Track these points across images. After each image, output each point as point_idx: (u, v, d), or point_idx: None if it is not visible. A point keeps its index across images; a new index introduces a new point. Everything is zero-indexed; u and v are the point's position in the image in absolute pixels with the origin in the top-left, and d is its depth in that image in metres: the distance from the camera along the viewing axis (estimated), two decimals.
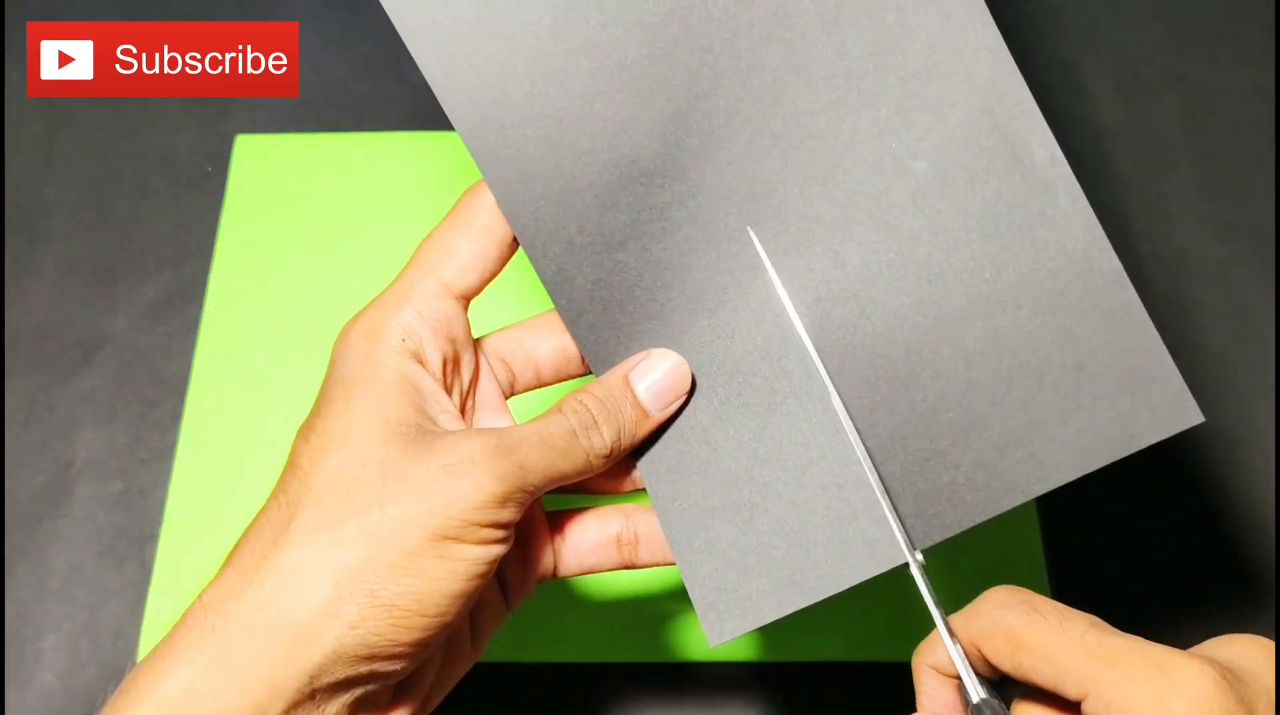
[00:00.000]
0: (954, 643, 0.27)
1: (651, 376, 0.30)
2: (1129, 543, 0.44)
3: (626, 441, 0.30)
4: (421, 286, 0.29)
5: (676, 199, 0.30)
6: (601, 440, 0.29)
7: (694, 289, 0.30)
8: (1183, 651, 0.25)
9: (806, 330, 0.30)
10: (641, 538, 0.32)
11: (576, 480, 0.29)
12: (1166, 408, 0.29)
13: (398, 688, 0.28)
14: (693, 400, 0.31)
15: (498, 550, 0.27)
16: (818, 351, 0.30)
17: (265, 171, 0.50)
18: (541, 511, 0.32)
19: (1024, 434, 0.29)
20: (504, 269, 0.30)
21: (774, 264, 0.30)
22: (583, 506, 0.32)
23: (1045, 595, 0.27)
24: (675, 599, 0.42)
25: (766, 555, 0.30)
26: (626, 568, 0.32)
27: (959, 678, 0.27)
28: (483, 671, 0.41)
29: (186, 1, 0.55)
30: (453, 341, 0.30)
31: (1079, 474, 0.29)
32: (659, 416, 0.30)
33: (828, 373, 0.30)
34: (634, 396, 0.30)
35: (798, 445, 0.30)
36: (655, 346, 0.31)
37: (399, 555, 0.26)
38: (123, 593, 0.43)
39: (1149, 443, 0.29)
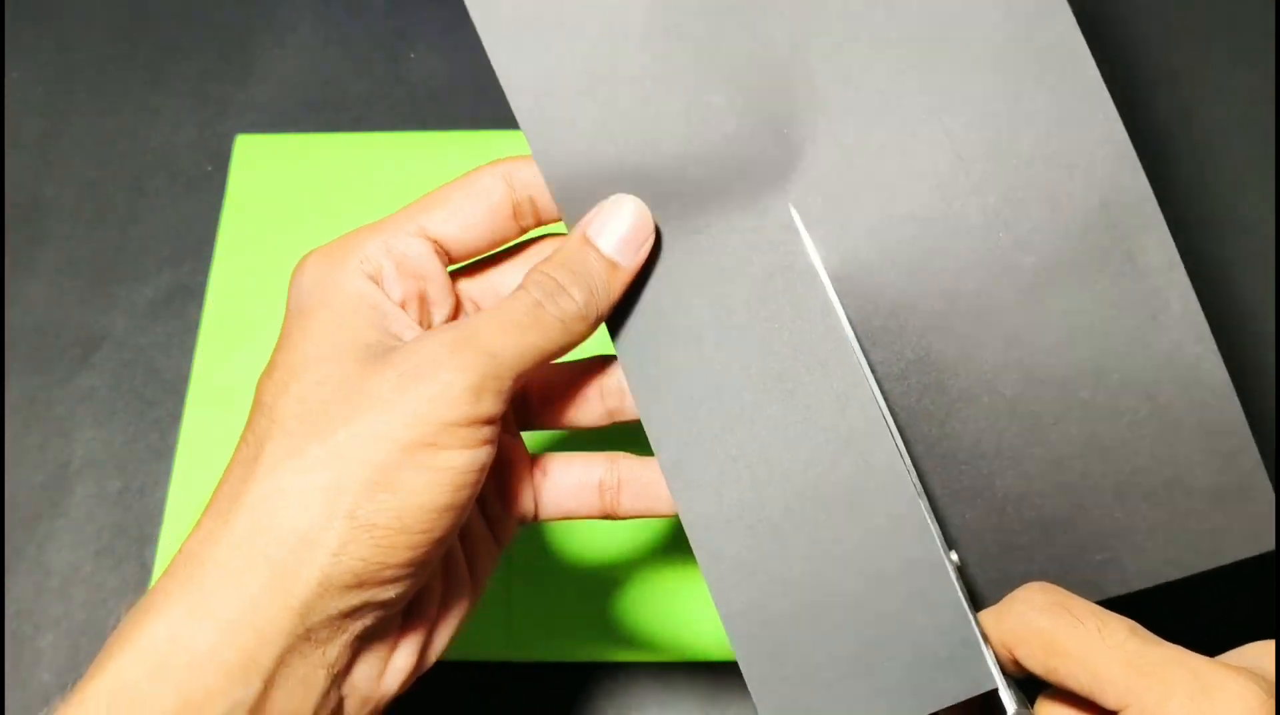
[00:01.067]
0: (988, 648, 0.26)
1: (611, 225, 0.28)
2: None
3: (603, 299, 0.28)
4: (395, 223, 0.28)
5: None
6: (573, 302, 0.27)
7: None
8: (1227, 666, 0.24)
9: (892, 418, 0.28)
10: (625, 484, 0.30)
11: (559, 354, 0.27)
12: (1257, 529, 0.28)
13: (401, 621, 0.27)
14: (769, 485, 0.28)
15: (483, 454, 0.26)
16: (903, 439, 0.28)
17: (265, 171, 0.50)
18: (522, 445, 0.31)
19: (1107, 539, 0.28)
20: (493, 247, 0.30)
21: (861, 348, 0.29)
22: (566, 452, 0.31)
23: None
24: (675, 599, 0.42)
25: (830, 644, 0.28)
26: (607, 517, 0.31)
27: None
28: (481, 671, 0.41)
29: (187, 1, 0.55)
30: (419, 280, 0.28)
31: (1158, 582, 0.29)
32: (630, 265, 0.28)
33: (914, 467, 0.28)
34: (597, 250, 0.28)
35: (875, 539, 0.28)
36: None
37: (371, 471, 0.24)
38: (122, 592, 0.43)
39: (1231, 560, 0.29)
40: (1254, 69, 0.54)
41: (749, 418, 0.29)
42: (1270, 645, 0.26)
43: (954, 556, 0.28)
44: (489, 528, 0.30)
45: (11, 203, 0.50)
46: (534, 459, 0.31)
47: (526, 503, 0.31)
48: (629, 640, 0.42)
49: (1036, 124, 0.28)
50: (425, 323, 0.29)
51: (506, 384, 0.26)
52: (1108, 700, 0.24)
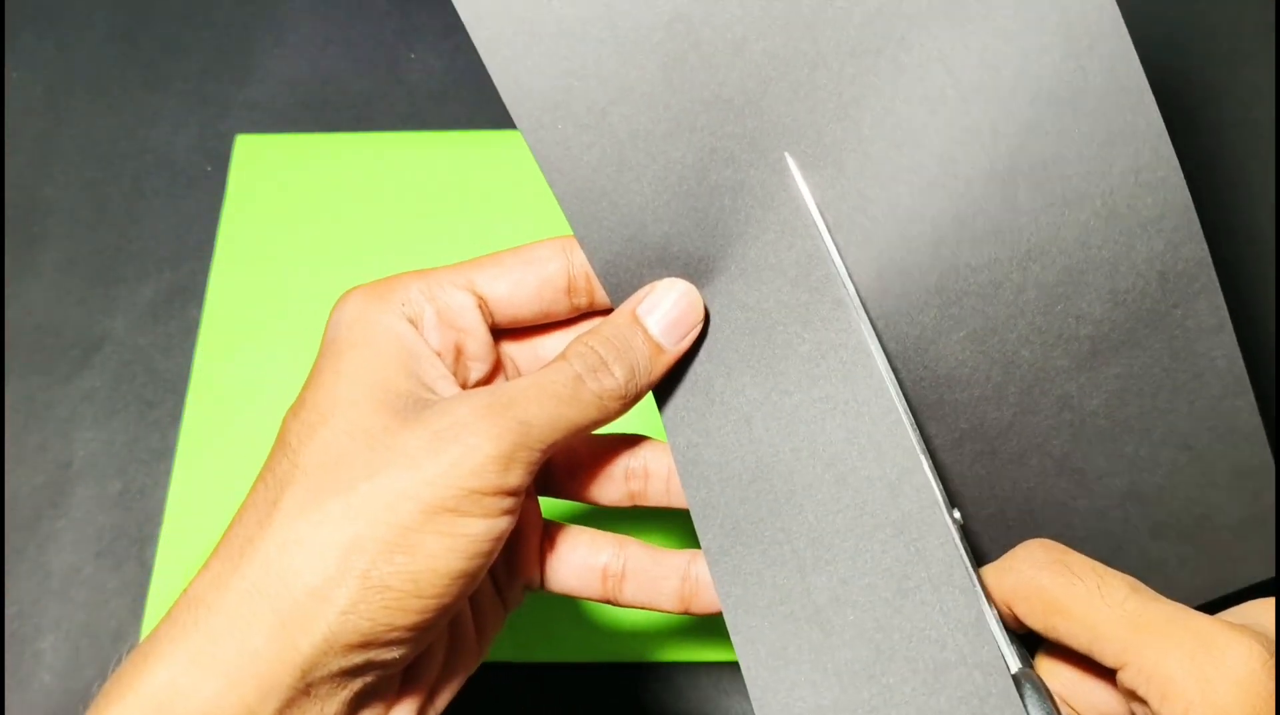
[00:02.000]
0: (991, 607, 0.26)
1: (661, 308, 0.28)
2: None
3: (643, 380, 0.27)
4: (443, 272, 0.28)
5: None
6: (614, 380, 0.27)
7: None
8: (1228, 624, 0.24)
9: (946, 497, 0.27)
10: (629, 574, 0.30)
11: (591, 430, 0.27)
12: (1273, 552, 0.30)
13: (402, 680, 0.27)
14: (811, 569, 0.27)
15: (504, 523, 0.25)
16: (946, 499, 0.27)
17: (265, 171, 0.50)
18: (537, 511, 0.30)
19: (1141, 574, 0.28)
20: (540, 321, 0.29)
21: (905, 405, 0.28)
22: (576, 526, 0.31)
23: None
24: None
25: None
26: (607, 602, 0.30)
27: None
28: (482, 671, 0.41)
29: (187, 1, 0.55)
30: (459, 332, 0.28)
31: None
32: (675, 351, 0.28)
33: (967, 553, 0.27)
34: (644, 331, 0.28)
35: (927, 633, 0.26)
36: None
37: (390, 531, 0.24)
38: (122, 593, 0.43)
39: (1250, 583, 0.29)
40: (1254, 69, 0.54)
41: (798, 501, 0.27)
42: (1270, 603, 0.26)
43: (956, 515, 0.27)
44: (496, 591, 0.30)
45: (11, 203, 0.50)
46: (543, 527, 0.30)
47: (533, 572, 0.30)
48: (629, 640, 0.42)
49: (1100, 197, 0.27)
50: (461, 378, 0.28)
51: (536, 455, 0.25)
52: (1107, 658, 0.24)
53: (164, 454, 0.45)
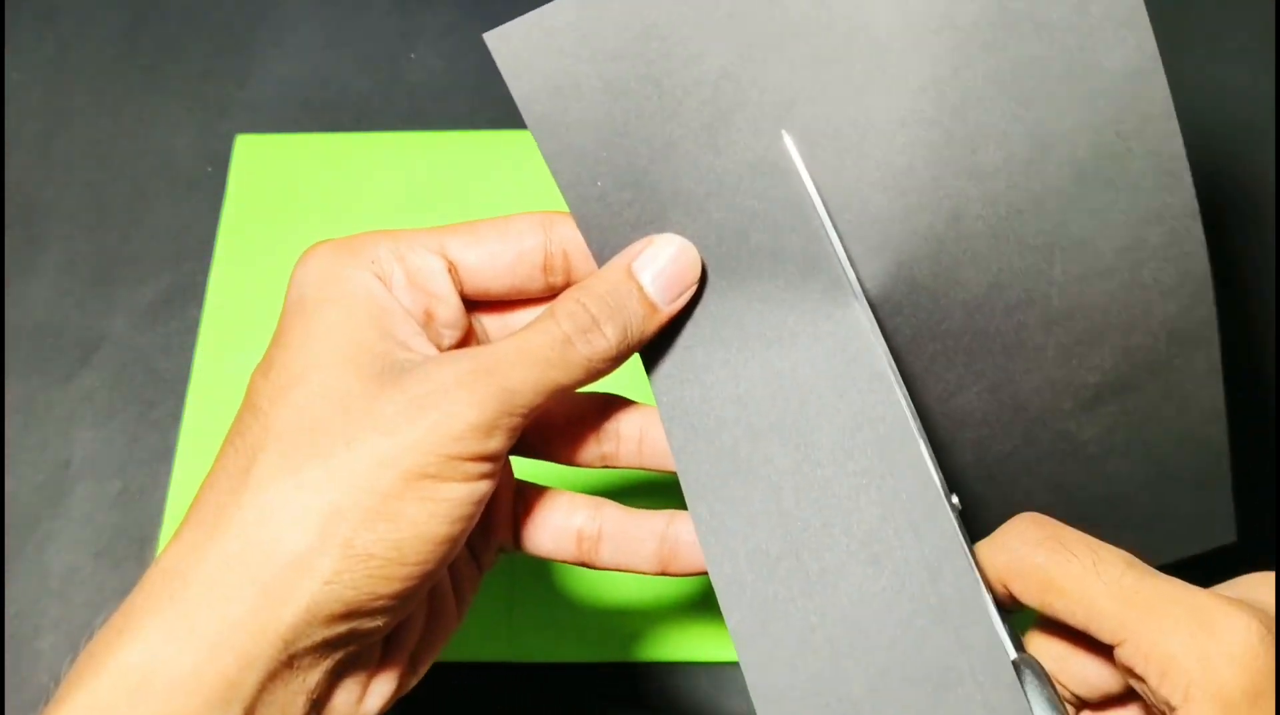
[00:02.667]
0: (986, 590, 0.26)
1: (657, 263, 0.26)
2: None
3: (635, 339, 0.26)
4: (413, 234, 0.27)
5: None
6: (605, 341, 0.26)
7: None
8: (1227, 599, 0.24)
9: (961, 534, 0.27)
10: (605, 536, 0.29)
11: (574, 390, 0.26)
12: (1214, 534, 0.33)
13: (383, 649, 0.26)
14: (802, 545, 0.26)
15: (484, 487, 0.25)
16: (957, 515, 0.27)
17: (265, 171, 0.50)
18: (510, 471, 0.29)
19: None
20: (513, 297, 0.28)
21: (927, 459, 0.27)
22: (550, 487, 0.30)
23: None
24: (676, 599, 0.42)
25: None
26: (583, 565, 0.29)
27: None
28: (481, 671, 0.41)
29: (187, 2, 0.55)
30: (429, 297, 0.27)
31: None
32: (669, 310, 0.27)
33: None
34: (639, 288, 0.26)
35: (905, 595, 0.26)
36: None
37: (372, 498, 0.23)
38: (121, 593, 0.42)
39: (1192, 552, 0.32)
40: (1254, 69, 0.54)
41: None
42: (1268, 576, 0.25)
43: (954, 500, 0.27)
44: (472, 555, 0.29)
45: (11, 203, 0.50)
46: (517, 488, 0.30)
47: (506, 534, 0.29)
48: (629, 640, 0.41)
49: (1128, 270, 0.28)
50: (433, 342, 0.27)
51: (519, 420, 0.25)
52: (1104, 635, 0.24)
53: (164, 454, 0.45)
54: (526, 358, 0.25)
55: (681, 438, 0.28)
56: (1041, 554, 0.25)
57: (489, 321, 0.29)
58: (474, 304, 0.28)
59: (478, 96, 0.52)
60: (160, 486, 0.44)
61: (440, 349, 0.27)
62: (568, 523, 0.29)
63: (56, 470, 0.45)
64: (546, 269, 0.28)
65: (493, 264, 0.27)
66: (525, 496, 0.30)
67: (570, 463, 0.30)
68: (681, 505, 0.29)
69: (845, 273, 0.27)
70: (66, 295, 0.48)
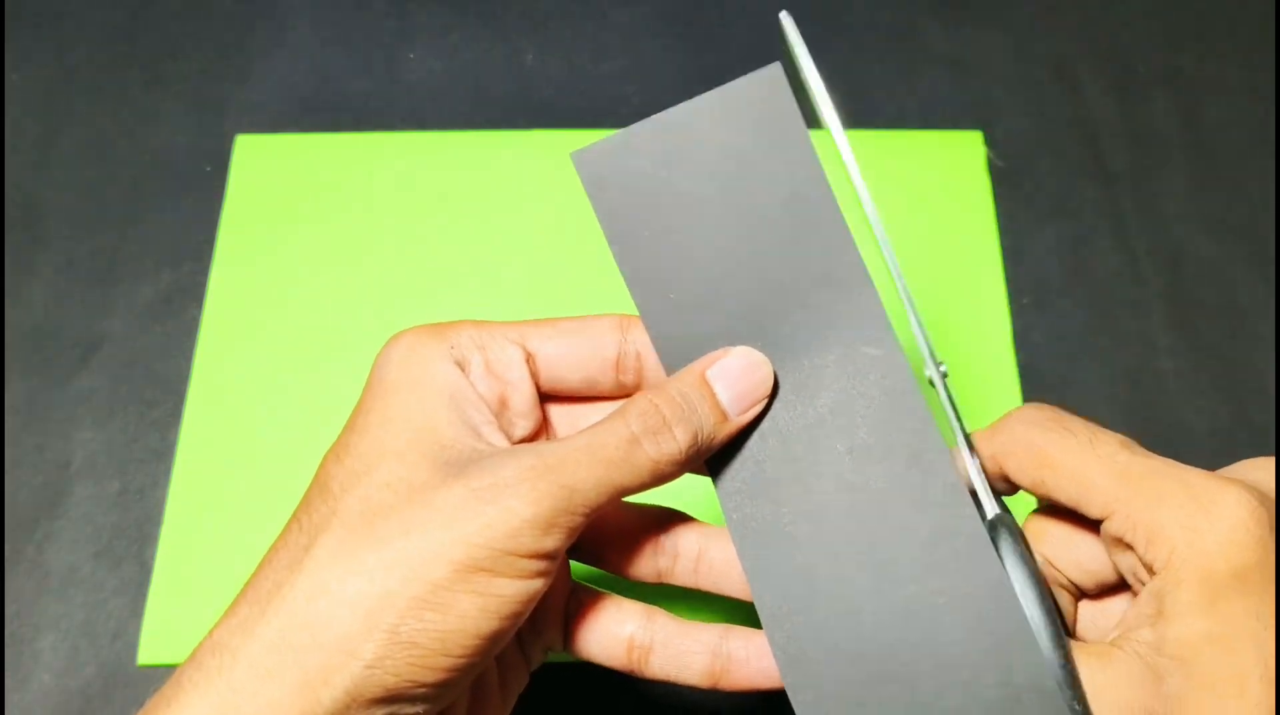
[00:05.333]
0: (972, 456, 0.26)
1: (732, 373, 0.27)
2: None
3: (704, 445, 0.26)
4: (495, 325, 0.27)
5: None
6: (675, 444, 0.26)
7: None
8: (1219, 476, 0.23)
9: None
10: (656, 646, 0.29)
11: (638, 492, 0.26)
12: None
13: None
14: None
15: (537, 585, 0.24)
16: None
17: (265, 171, 0.50)
18: (567, 572, 0.29)
19: None
20: (586, 391, 0.28)
21: None
22: (604, 592, 0.30)
23: None
24: (675, 599, 0.42)
25: None
26: (631, 674, 0.29)
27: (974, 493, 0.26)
28: None
29: (186, 2, 0.55)
30: (505, 385, 0.27)
31: None
32: (740, 420, 0.27)
33: None
34: (713, 394, 0.26)
35: None
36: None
37: (422, 588, 0.23)
38: (121, 592, 0.43)
39: None
40: (1254, 69, 0.54)
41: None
42: (1268, 461, 0.25)
43: (942, 367, 0.27)
44: (520, 650, 0.29)
45: (11, 203, 0.50)
46: (572, 590, 0.29)
47: (556, 632, 0.29)
48: None
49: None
50: (505, 432, 0.27)
51: (579, 520, 0.25)
52: (1093, 509, 0.24)
53: (164, 454, 0.45)
54: (591, 456, 0.25)
55: (753, 556, 0.27)
56: (1038, 432, 0.25)
57: (559, 415, 0.29)
58: (548, 398, 0.29)
59: (478, 96, 0.52)
60: (160, 486, 0.44)
61: (512, 439, 0.27)
62: (619, 631, 0.29)
63: (56, 470, 0.45)
64: (619, 367, 0.28)
65: (569, 356, 0.28)
66: (579, 598, 0.29)
67: (624, 575, 0.30)
68: (732, 618, 0.28)
69: (909, 380, 0.27)
70: (66, 295, 0.48)
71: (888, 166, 0.50)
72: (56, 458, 0.45)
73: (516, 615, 0.24)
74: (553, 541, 0.24)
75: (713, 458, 0.28)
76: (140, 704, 0.42)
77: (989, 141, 0.51)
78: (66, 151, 0.51)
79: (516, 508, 0.24)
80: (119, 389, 0.46)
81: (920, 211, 0.49)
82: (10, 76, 0.53)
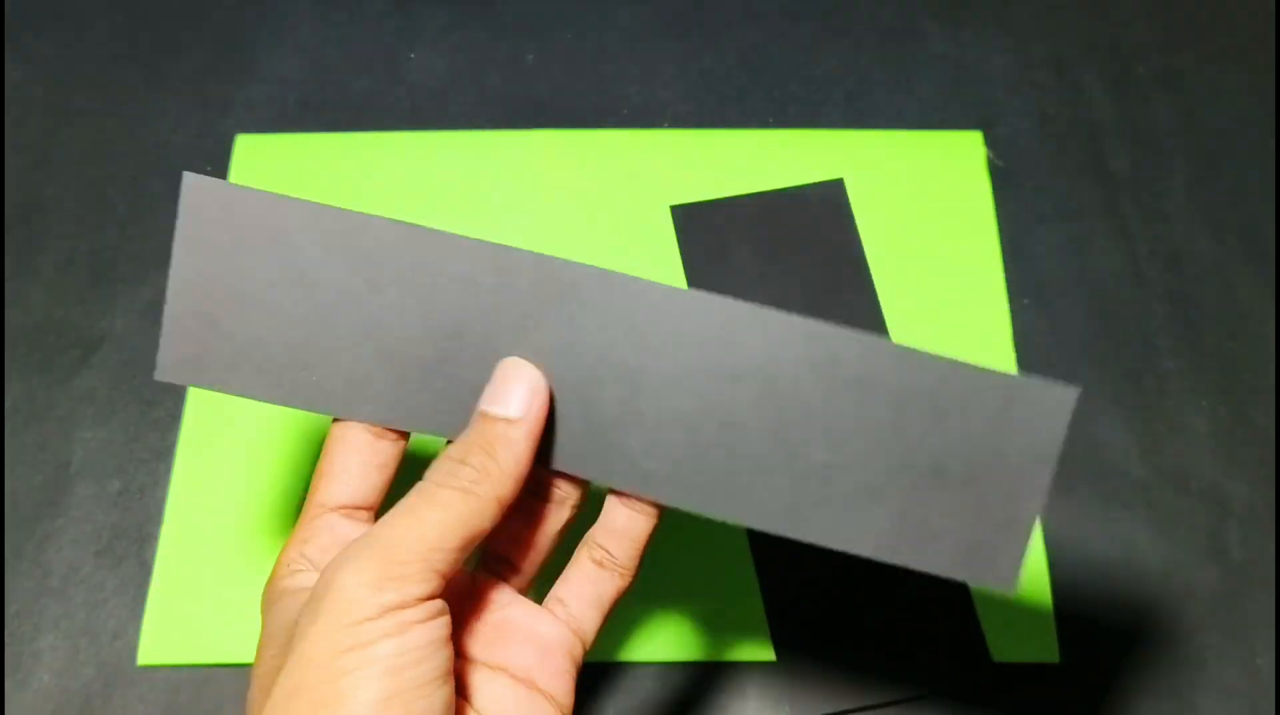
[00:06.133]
0: None
1: (492, 388, 0.29)
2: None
3: (505, 455, 0.28)
4: (303, 518, 0.30)
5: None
6: (470, 469, 0.27)
7: None
8: None
9: None
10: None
11: (482, 524, 0.27)
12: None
13: None
14: None
15: (417, 635, 0.25)
16: None
17: (265, 171, 0.50)
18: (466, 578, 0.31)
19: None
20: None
21: None
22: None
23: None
24: (675, 599, 0.42)
25: None
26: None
27: None
28: None
29: (187, 1, 0.55)
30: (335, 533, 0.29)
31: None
32: (529, 416, 0.28)
33: None
34: (487, 415, 0.28)
35: None
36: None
37: (320, 690, 0.24)
38: (121, 592, 0.43)
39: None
40: (1254, 69, 0.54)
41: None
42: None
43: None
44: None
45: (11, 203, 0.50)
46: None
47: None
48: (629, 640, 0.41)
49: None
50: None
51: (413, 569, 0.25)
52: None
53: (164, 454, 0.45)
54: (397, 513, 0.27)
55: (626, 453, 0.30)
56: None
57: None
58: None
59: (478, 96, 0.52)
60: (160, 486, 0.44)
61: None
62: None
63: (56, 470, 0.45)
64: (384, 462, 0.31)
65: (361, 483, 0.30)
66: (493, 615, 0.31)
67: (559, 539, 0.32)
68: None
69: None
70: (66, 295, 0.48)
71: (888, 166, 0.50)
72: (57, 457, 0.45)
73: (422, 660, 0.25)
74: (391, 595, 0.25)
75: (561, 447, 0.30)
76: (140, 704, 0.42)
77: (989, 141, 0.51)
78: (67, 150, 0.51)
79: (342, 581, 0.25)
80: (119, 389, 0.46)
81: (920, 211, 0.49)
82: (11, 75, 0.53)
